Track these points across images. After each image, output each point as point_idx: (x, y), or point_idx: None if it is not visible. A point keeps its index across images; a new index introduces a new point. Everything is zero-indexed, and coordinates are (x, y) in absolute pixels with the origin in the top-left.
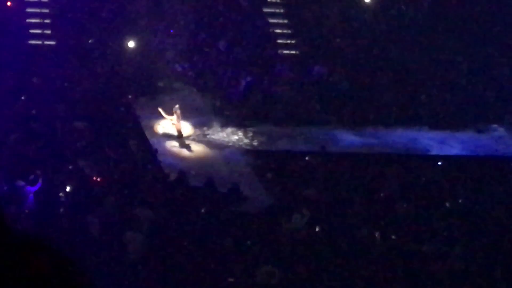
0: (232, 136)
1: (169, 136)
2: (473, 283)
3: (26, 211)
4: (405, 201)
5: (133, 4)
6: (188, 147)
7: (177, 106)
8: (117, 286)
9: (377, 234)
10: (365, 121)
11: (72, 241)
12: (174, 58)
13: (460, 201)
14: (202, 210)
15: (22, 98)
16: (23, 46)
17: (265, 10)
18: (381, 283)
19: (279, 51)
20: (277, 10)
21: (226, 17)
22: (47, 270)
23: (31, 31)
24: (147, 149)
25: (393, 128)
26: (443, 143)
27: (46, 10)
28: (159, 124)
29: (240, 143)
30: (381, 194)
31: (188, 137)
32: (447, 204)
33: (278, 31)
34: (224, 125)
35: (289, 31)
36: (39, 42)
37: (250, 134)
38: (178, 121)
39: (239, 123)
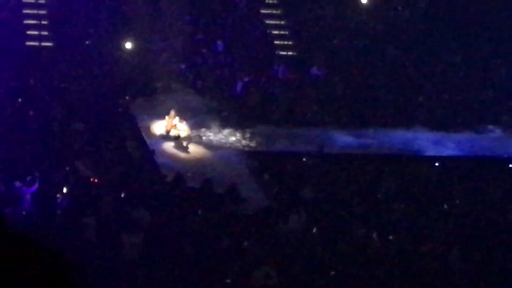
0: (229, 137)
1: (166, 137)
2: (470, 283)
3: (23, 212)
4: (402, 202)
5: (130, 6)
6: (185, 148)
7: (172, 111)
8: (114, 287)
9: (374, 235)
10: (362, 122)
11: (69, 242)
12: (171, 59)
13: (457, 202)
14: (199, 211)
15: (20, 100)
16: (20, 47)
17: (263, 11)
18: (378, 284)
19: (277, 52)
20: (275, 11)
21: (224, 18)
22: (44, 271)
23: (29, 32)
24: (145, 150)
25: (390, 129)
26: (439, 144)
27: (44, 12)
28: (156, 125)
29: (238, 144)
30: (378, 195)
31: (185, 138)
32: (444, 205)
33: (275, 32)
34: (222, 126)
35: (286, 32)
36: (37, 44)
37: (248, 135)
38: (173, 122)
39: (237, 124)
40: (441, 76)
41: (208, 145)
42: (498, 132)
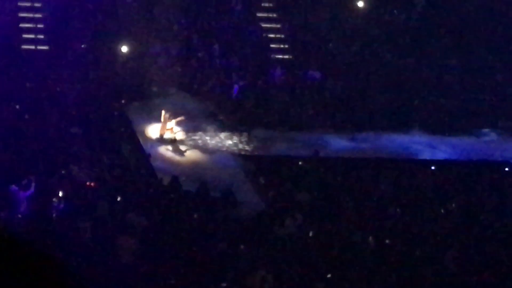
0: (225, 140)
1: (162, 141)
2: (466, 287)
3: (19, 216)
4: (398, 206)
5: (126, 9)
6: (181, 152)
7: (163, 113)
8: None
9: (370, 238)
10: (358, 125)
11: (65, 246)
12: (167, 62)
13: (453, 205)
14: (195, 215)
15: (15, 103)
16: (16, 51)
17: (259, 15)
18: (374, 287)
19: (273, 56)
20: (271, 15)
21: (220, 22)
22: (39, 275)
23: (24, 36)
24: (141, 154)
25: (386, 132)
26: (435, 147)
27: (39, 15)
28: (152, 129)
29: (234, 148)
30: (374, 199)
31: (181, 142)
32: (440, 209)
33: (271, 36)
34: (218, 129)
35: (282, 36)
36: (32, 47)
37: (244, 138)
38: (169, 125)
39: (233, 128)
40: (436, 80)
41: (204, 149)
42: (493, 135)
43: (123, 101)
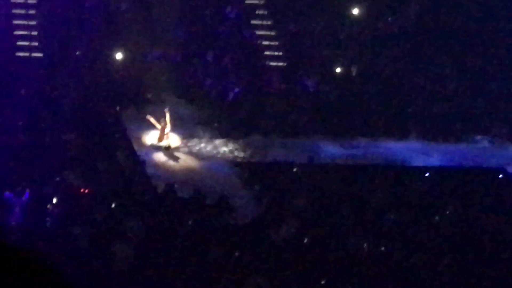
0: (220, 147)
1: (157, 148)
2: None
3: (14, 222)
4: (393, 212)
5: (121, 16)
6: (176, 159)
7: (167, 112)
8: None
9: (365, 245)
10: (353, 132)
11: (60, 253)
12: (162, 69)
13: (447, 212)
14: (191, 222)
15: (10, 111)
16: (10, 58)
17: (253, 22)
18: None
19: (267, 63)
20: (265, 22)
21: (215, 29)
22: (34, 281)
23: (18, 43)
24: (135, 161)
25: (380, 139)
26: (429, 154)
27: (33, 22)
28: (147, 135)
29: (229, 154)
30: (369, 205)
31: (176, 149)
32: (435, 216)
33: (265, 42)
34: (213, 136)
35: (277, 43)
36: (27, 54)
37: (239, 145)
38: (165, 130)
39: (228, 134)
40: (430, 87)
41: (199, 155)
42: (487, 142)
43: (118, 108)
